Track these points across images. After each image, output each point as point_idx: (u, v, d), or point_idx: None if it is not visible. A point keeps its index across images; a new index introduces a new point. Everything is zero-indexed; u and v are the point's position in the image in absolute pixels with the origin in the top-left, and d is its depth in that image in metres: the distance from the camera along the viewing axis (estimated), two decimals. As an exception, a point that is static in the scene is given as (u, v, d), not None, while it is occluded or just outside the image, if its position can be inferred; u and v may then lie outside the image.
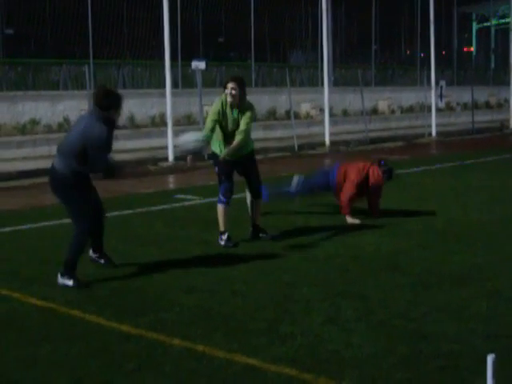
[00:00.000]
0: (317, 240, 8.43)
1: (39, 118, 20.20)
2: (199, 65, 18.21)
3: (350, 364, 4.69)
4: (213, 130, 8.08)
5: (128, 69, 24.84)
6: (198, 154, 8.03)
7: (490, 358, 3.18)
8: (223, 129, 8.07)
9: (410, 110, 31.72)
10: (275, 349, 4.97)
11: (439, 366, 4.64)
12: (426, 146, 22.57)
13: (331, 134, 21.21)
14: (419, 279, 6.69)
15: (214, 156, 8.26)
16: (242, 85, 7.99)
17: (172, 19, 18.51)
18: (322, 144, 20.92)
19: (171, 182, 15.26)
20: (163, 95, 18.49)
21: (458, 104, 33.51)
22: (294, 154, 19.43)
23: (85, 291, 6.46)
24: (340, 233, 8.84)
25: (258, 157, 8.47)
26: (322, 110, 23.50)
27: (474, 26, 42.88)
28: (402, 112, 31.29)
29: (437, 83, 24.78)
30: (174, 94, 18.08)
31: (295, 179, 10.13)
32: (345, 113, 28.56)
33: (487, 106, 35.78)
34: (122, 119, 20.27)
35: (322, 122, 22.12)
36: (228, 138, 8.07)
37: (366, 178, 9.52)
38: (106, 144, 6.55)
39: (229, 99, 7.94)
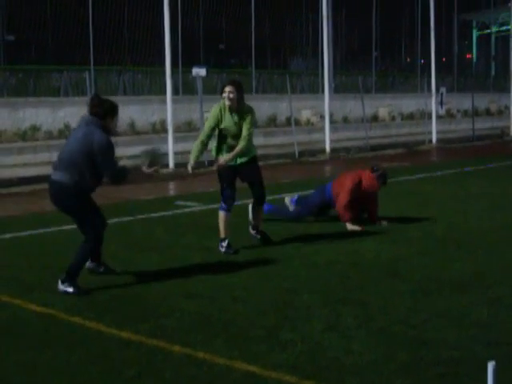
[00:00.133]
0: (317, 246, 8.43)
1: (40, 124, 20.23)
2: (200, 71, 18.23)
3: (351, 371, 4.69)
4: (210, 135, 8.09)
5: (129, 75, 24.90)
6: (154, 159, 7.55)
7: (490, 366, 3.18)
8: (225, 134, 8.07)
9: (411, 116, 31.75)
10: (275, 356, 4.96)
11: (439, 373, 4.64)
12: (426, 152, 22.58)
13: (332, 141, 21.22)
14: (419, 286, 6.68)
15: (216, 162, 8.25)
16: (239, 88, 7.99)
17: (173, 26, 18.57)
18: (323, 151, 20.93)
19: (172, 188, 15.27)
20: (164, 102, 18.52)
21: (458, 111, 33.54)
22: (294, 160, 19.44)
23: (85, 298, 6.45)
24: (340, 239, 8.83)
25: (259, 163, 8.46)
26: (322, 117, 23.52)
27: (475, 33, 42.96)
28: (402, 119, 31.32)
29: (437, 90, 24.80)
30: (174, 101, 18.10)
31: (287, 200, 10.16)
32: (345, 120, 28.59)
33: (488, 112, 35.81)
34: (123, 126, 20.30)
35: (322, 129, 22.13)
36: (230, 143, 8.08)
37: (361, 184, 9.48)
38: (109, 148, 6.55)
39: (227, 103, 7.94)
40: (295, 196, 10.26)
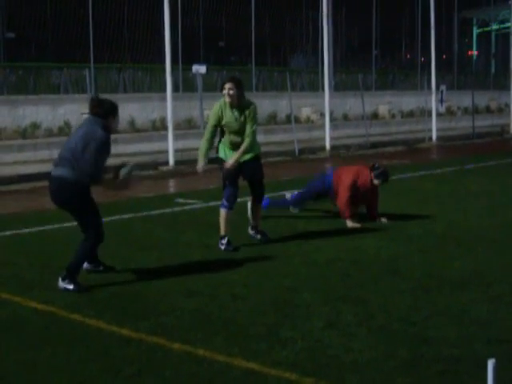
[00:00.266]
0: (317, 244, 8.43)
1: (40, 121, 20.22)
2: (200, 69, 18.25)
3: (351, 368, 4.69)
4: (214, 133, 8.13)
5: (129, 73, 24.88)
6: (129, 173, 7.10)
7: (490, 363, 3.18)
8: (227, 130, 8.09)
9: (411, 114, 31.74)
10: (275, 353, 4.96)
11: (440, 370, 4.64)
12: (426, 150, 22.57)
13: (332, 139, 21.21)
14: (419, 283, 6.68)
15: (219, 161, 8.26)
16: (239, 85, 8.03)
17: (173, 23, 18.55)
18: (323, 148, 20.93)
19: (172, 186, 15.27)
20: (164, 99, 18.52)
21: (458, 108, 33.54)
22: (294, 158, 19.44)
23: (85, 295, 6.45)
24: (340, 237, 8.84)
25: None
26: (322, 115, 23.52)
27: (475, 31, 42.93)
28: (402, 116, 31.32)
29: (437, 88, 24.79)
30: (174, 98, 18.08)
31: (288, 197, 10.22)
32: (345, 117, 28.59)
33: (488, 110, 35.80)
34: (123, 123, 20.29)
35: (322, 127, 22.13)
36: (232, 139, 8.09)
37: (358, 181, 9.50)
38: (104, 145, 6.55)
39: (227, 99, 7.98)
40: (295, 193, 10.31)
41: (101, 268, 7.21)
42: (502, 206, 11.01)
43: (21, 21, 23.69)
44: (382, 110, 30.59)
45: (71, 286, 6.54)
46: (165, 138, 17.94)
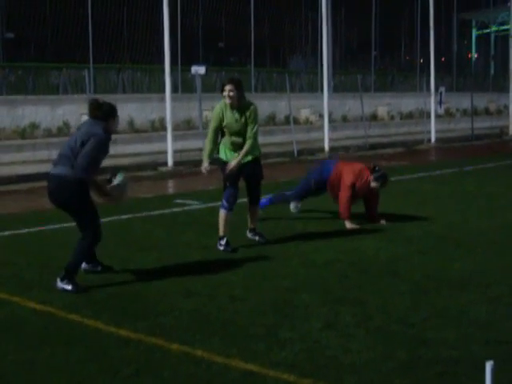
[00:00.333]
0: (316, 245, 8.43)
1: (39, 122, 20.21)
2: (199, 70, 18.22)
3: (349, 369, 4.69)
4: (217, 134, 8.14)
5: (128, 73, 24.87)
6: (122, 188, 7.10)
7: (488, 365, 3.18)
8: (227, 132, 8.10)
9: (410, 116, 31.75)
10: (274, 354, 4.96)
11: (438, 372, 4.64)
12: (425, 152, 22.58)
13: (330, 140, 21.22)
14: (418, 285, 6.69)
15: (220, 162, 8.26)
16: (239, 86, 8.05)
17: (172, 24, 18.55)
18: (322, 150, 20.93)
19: (171, 186, 15.27)
20: (163, 100, 18.52)
21: (457, 110, 33.55)
22: (293, 159, 19.44)
23: (83, 295, 6.45)
24: (339, 238, 8.84)
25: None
26: (321, 116, 23.52)
27: (474, 33, 42.95)
28: (401, 118, 31.32)
29: (436, 89, 24.80)
30: (173, 99, 18.09)
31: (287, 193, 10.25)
32: (344, 118, 28.59)
33: (487, 112, 35.81)
34: (122, 124, 20.28)
35: (321, 128, 22.13)
36: (233, 140, 8.10)
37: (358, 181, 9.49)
38: (102, 144, 6.56)
39: (227, 101, 8.00)
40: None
41: (99, 268, 7.21)
42: (501, 208, 11.01)
43: (20, 21, 23.68)
44: (381, 111, 30.60)
45: (69, 287, 6.53)
46: (164, 138, 17.94)
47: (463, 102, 32.30)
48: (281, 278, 6.97)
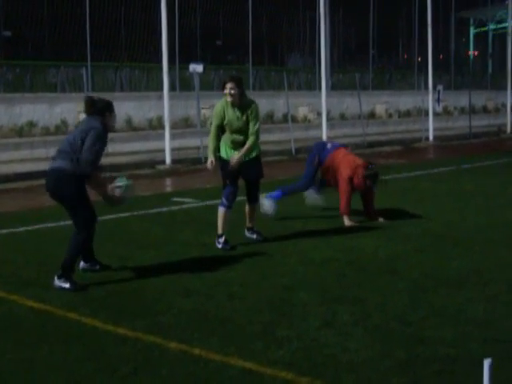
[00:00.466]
0: (314, 243, 8.43)
1: (36, 120, 20.19)
2: (197, 68, 18.23)
3: (347, 368, 4.69)
4: (218, 135, 8.15)
5: (126, 71, 24.84)
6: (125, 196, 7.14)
7: (486, 363, 3.18)
8: (228, 129, 8.11)
9: (408, 114, 31.74)
10: (272, 352, 4.96)
11: (436, 370, 4.64)
12: (423, 150, 22.59)
13: (329, 138, 21.19)
14: (416, 283, 6.69)
15: (220, 159, 8.26)
16: (239, 84, 8.07)
17: (170, 22, 18.55)
18: (320, 148, 20.88)
19: (169, 184, 15.26)
20: (161, 98, 18.50)
21: (455, 108, 33.55)
22: (291, 157, 19.44)
23: (81, 294, 6.45)
24: (337, 236, 8.84)
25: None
26: (319, 114, 23.51)
27: (472, 31, 42.95)
28: (399, 116, 31.32)
29: (434, 87, 24.81)
30: (171, 97, 18.08)
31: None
32: (342, 117, 28.58)
33: (484, 110, 35.81)
34: (120, 122, 20.27)
35: (319, 126, 22.12)
36: (234, 137, 8.11)
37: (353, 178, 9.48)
38: (101, 137, 6.58)
39: (229, 99, 8.01)
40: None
41: (97, 267, 7.21)
42: (499, 206, 11.02)
43: (18, 19, 23.63)
44: (379, 109, 30.59)
45: (67, 285, 6.53)
46: (162, 136, 17.92)
47: (461, 100, 32.31)
48: (279, 276, 6.97)
